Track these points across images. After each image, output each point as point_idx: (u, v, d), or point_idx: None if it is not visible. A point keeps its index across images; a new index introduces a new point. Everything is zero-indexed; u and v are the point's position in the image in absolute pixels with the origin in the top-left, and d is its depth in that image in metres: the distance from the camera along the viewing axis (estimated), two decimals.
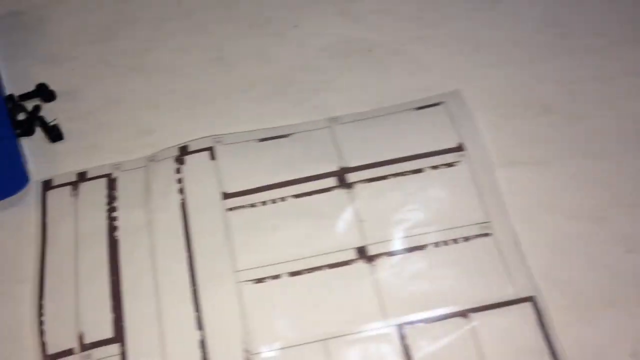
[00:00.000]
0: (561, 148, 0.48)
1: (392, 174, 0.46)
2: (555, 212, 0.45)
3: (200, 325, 0.42)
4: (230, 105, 0.53)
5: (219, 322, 0.42)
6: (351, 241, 0.44)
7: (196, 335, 0.41)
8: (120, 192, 0.48)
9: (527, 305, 0.41)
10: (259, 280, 0.43)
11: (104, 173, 0.49)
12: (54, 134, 0.51)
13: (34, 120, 0.52)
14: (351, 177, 0.47)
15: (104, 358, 0.41)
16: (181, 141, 0.50)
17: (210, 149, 0.49)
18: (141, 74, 0.55)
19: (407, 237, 0.44)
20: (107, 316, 0.42)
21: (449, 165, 0.47)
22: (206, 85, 0.54)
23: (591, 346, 0.40)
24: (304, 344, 0.41)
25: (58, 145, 0.52)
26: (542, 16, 0.54)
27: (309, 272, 0.43)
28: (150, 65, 0.55)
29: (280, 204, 0.46)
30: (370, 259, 0.44)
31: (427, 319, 0.42)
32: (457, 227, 0.44)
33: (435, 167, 0.47)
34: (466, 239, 0.44)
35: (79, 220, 0.47)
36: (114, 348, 0.41)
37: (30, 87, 0.54)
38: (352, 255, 0.44)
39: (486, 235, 0.44)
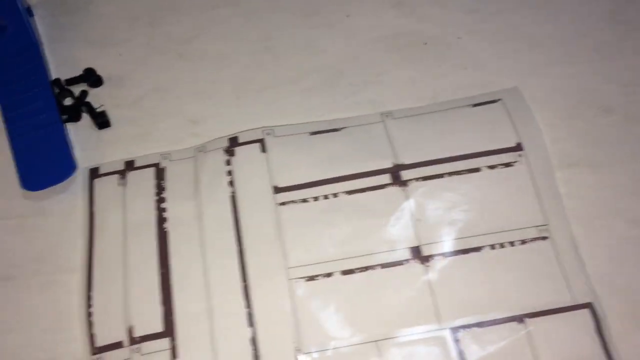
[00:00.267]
0: (622, 150, 0.46)
1: (448, 173, 0.45)
2: (615, 216, 0.44)
3: (251, 322, 0.41)
4: (278, 96, 0.51)
5: (270, 320, 0.41)
6: (405, 241, 0.43)
7: (247, 332, 0.41)
8: (169, 182, 0.47)
9: (585, 312, 0.40)
10: (311, 278, 0.42)
11: (152, 162, 0.48)
12: (102, 121, 0.50)
13: (81, 106, 0.51)
14: (406, 174, 0.45)
15: (153, 352, 0.41)
16: (229, 132, 0.49)
17: (260, 141, 0.48)
18: (188, 61, 0.54)
19: (462, 238, 0.43)
20: (157, 310, 0.42)
21: (507, 165, 0.45)
22: (254, 75, 0.53)
23: None
24: (356, 344, 0.40)
25: (104, 132, 0.51)
26: (606, 12, 0.52)
27: (361, 271, 0.43)
28: (197, 53, 0.54)
29: (333, 200, 0.45)
30: (425, 259, 0.43)
31: (481, 322, 0.41)
32: (514, 230, 0.43)
33: (492, 167, 0.45)
34: (523, 242, 0.43)
35: (127, 210, 0.46)
36: (164, 342, 0.41)
37: (75, 71, 0.54)
38: (406, 255, 0.43)
39: (544, 238, 0.43)
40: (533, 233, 0.43)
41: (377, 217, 0.44)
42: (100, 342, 0.41)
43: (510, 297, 0.42)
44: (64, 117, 0.51)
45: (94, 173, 0.49)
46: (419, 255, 0.43)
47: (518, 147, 0.46)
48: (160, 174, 0.48)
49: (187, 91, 0.53)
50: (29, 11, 0.56)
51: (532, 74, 0.50)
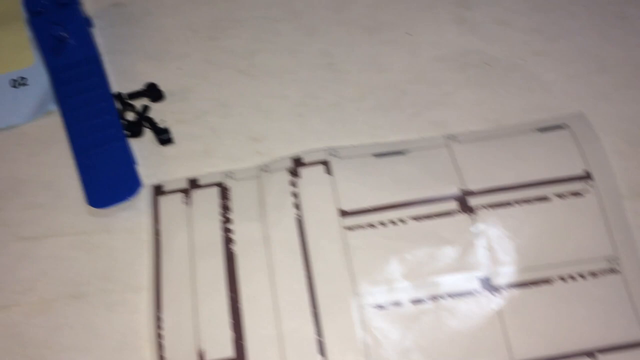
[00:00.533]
0: None
1: (516, 201, 0.45)
2: None
3: (322, 351, 0.41)
4: (341, 115, 0.51)
5: (341, 350, 0.41)
6: (475, 270, 0.43)
7: None
8: (234, 202, 0.47)
9: None
10: (381, 307, 0.42)
11: (215, 181, 0.48)
12: (165, 137, 0.50)
13: (143, 122, 0.51)
14: (473, 201, 0.45)
15: None
16: (291, 150, 0.49)
17: (325, 162, 0.48)
18: (248, 76, 0.54)
19: (532, 268, 0.43)
20: (227, 334, 0.42)
21: (575, 194, 0.45)
22: (316, 92, 0.53)
23: None
24: None
25: (166, 148, 0.51)
26: None
27: (431, 301, 0.42)
28: (257, 68, 0.54)
29: (400, 225, 0.45)
30: (494, 289, 0.42)
31: (552, 356, 0.40)
32: (584, 262, 0.43)
33: (560, 196, 0.45)
34: (593, 274, 0.43)
35: (194, 230, 0.46)
36: None
37: (133, 84, 0.54)
38: (475, 285, 0.43)
39: (614, 271, 0.43)
40: (603, 265, 0.43)
41: (446, 245, 0.44)
42: None
43: (582, 331, 0.41)
44: (127, 132, 0.51)
45: (158, 190, 0.49)
46: (488, 285, 0.43)
47: (586, 176, 0.46)
48: (224, 193, 0.48)
49: (248, 107, 0.52)
50: (89, 22, 0.55)
51: (599, 98, 0.50)
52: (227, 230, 0.46)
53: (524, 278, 0.43)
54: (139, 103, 0.53)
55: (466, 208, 0.45)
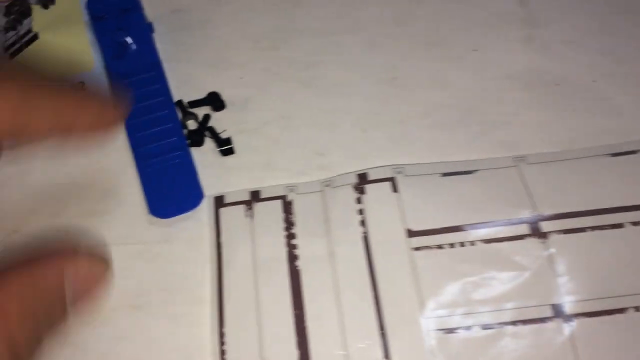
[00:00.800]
0: None
1: (590, 227, 0.44)
2: None
3: None
4: (405, 131, 0.50)
5: None
6: (547, 297, 0.42)
7: None
8: (298, 217, 0.46)
9: None
10: (450, 331, 0.41)
11: (278, 194, 0.48)
12: (226, 148, 0.50)
13: (205, 131, 0.51)
14: (545, 225, 0.44)
15: None
16: (355, 166, 0.48)
17: (391, 179, 0.47)
18: (310, 88, 0.53)
19: (606, 297, 0.42)
20: (293, 353, 0.41)
21: None
22: (379, 106, 0.52)
23: None
24: None
25: (227, 158, 0.50)
26: None
27: (501, 327, 0.41)
28: (319, 80, 0.53)
29: (470, 247, 0.44)
30: (567, 318, 0.41)
31: None
32: None
33: (635, 224, 0.44)
34: None
35: (257, 244, 0.45)
36: None
37: (193, 92, 0.53)
38: (547, 312, 0.42)
39: None
40: None
41: (517, 269, 0.43)
42: None
43: None
44: (188, 141, 0.50)
45: (219, 202, 0.48)
46: (561, 313, 0.41)
47: None
48: (287, 207, 0.47)
49: (310, 120, 0.52)
50: (151, 27, 0.55)
51: None
52: (291, 246, 0.45)
53: (597, 307, 0.42)
54: (200, 112, 0.52)
55: (538, 232, 0.44)
